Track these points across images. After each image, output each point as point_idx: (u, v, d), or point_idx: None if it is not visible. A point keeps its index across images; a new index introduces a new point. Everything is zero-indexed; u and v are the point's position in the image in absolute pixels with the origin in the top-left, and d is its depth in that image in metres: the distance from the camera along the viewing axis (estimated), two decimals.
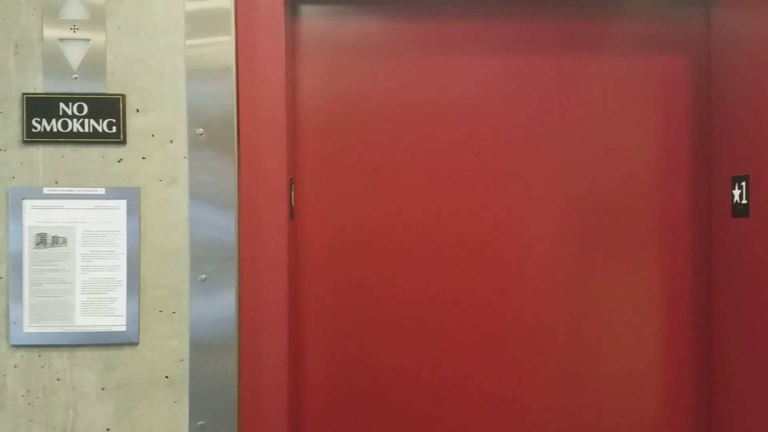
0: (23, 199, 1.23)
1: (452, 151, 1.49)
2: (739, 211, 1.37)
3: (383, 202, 1.49)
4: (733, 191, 1.39)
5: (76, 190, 1.23)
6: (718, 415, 1.47)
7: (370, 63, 1.48)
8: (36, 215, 1.23)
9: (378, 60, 1.48)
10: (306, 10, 1.47)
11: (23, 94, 1.23)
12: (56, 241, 1.23)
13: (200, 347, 1.25)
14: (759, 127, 1.32)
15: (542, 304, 1.49)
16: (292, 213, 1.39)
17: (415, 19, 1.48)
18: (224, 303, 1.25)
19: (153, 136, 1.25)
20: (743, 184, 1.36)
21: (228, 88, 1.26)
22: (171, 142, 1.25)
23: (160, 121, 1.25)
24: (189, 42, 1.25)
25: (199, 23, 1.24)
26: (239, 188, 1.27)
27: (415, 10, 1.48)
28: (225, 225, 1.25)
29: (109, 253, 1.24)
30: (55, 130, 1.23)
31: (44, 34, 1.23)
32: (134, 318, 1.24)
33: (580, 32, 1.50)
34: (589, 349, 1.50)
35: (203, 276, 1.25)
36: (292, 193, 1.40)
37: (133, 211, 1.24)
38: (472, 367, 1.49)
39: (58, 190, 1.23)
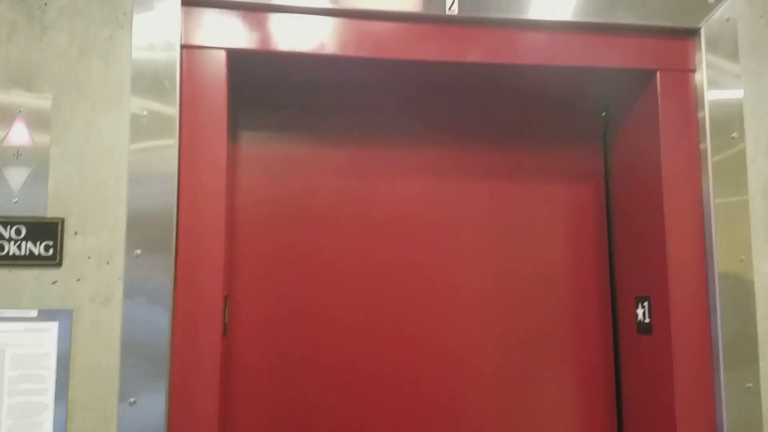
0: None
1: (378, 268, 1.58)
2: (643, 328, 1.50)
3: (316, 315, 1.54)
4: (637, 310, 1.52)
5: (7, 313, 1.23)
6: None
7: (304, 183, 1.57)
8: None
9: (311, 180, 1.58)
10: (244, 135, 1.56)
11: None
12: None
13: None
14: (655, 251, 1.47)
15: (469, 408, 1.55)
16: (225, 330, 1.41)
17: (341, 145, 1.60)
18: (154, 426, 1.25)
19: (90, 257, 1.27)
20: (645, 304, 1.49)
21: (168, 211, 1.30)
22: (107, 263, 1.28)
23: (98, 243, 1.28)
24: (131, 172, 1.29)
25: (142, 161, 1.30)
26: (174, 309, 1.29)
27: (347, 138, 1.60)
28: (157, 347, 1.26)
29: (38, 376, 1.22)
30: None
31: None
32: None
33: (497, 162, 1.65)
34: None
35: (133, 399, 1.24)
36: (227, 310, 1.43)
37: (65, 333, 1.24)
38: None
39: None
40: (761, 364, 1.42)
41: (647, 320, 1.48)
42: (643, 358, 1.50)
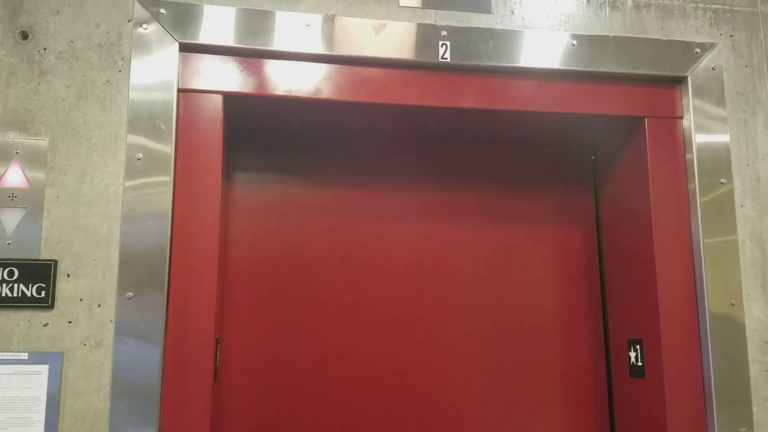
0: None
1: (371, 311, 1.58)
2: (636, 372, 1.49)
3: (308, 359, 1.53)
4: (630, 353, 1.52)
5: None
6: None
7: (297, 226, 1.58)
8: None
9: (304, 223, 1.59)
10: (239, 177, 1.58)
11: None
12: None
13: None
14: (647, 293, 1.47)
15: None
16: (216, 374, 1.40)
17: (335, 188, 1.61)
18: None
19: (82, 300, 1.27)
20: (638, 347, 1.49)
21: (161, 252, 1.30)
22: (99, 305, 1.28)
23: (90, 285, 1.28)
24: (125, 213, 1.30)
25: (137, 202, 1.30)
26: (165, 352, 1.28)
27: (340, 182, 1.62)
28: (147, 390, 1.25)
29: (27, 419, 1.21)
30: None
31: None
32: None
33: (489, 206, 1.66)
34: None
35: None
36: (218, 353, 1.42)
37: (55, 376, 1.23)
38: None
39: None
40: (754, 408, 1.42)
41: (640, 363, 1.48)
42: (637, 402, 1.50)
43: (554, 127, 1.58)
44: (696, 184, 1.47)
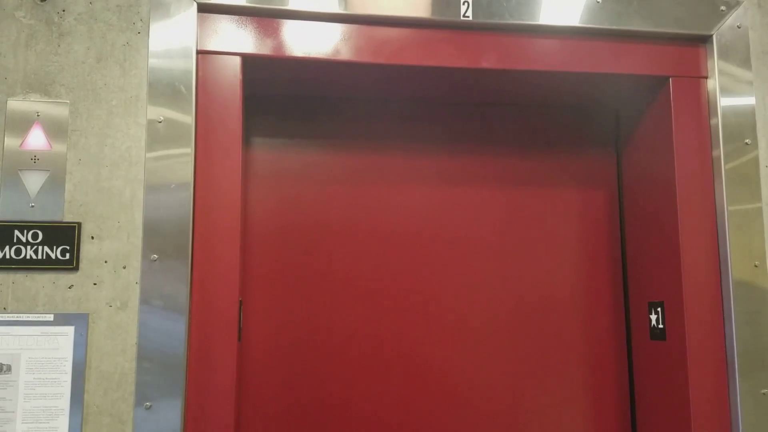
0: None
1: (390, 275, 1.58)
2: (657, 334, 1.49)
3: (328, 320, 1.54)
4: (650, 316, 1.52)
5: (24, 317, 1.23)
6: None
7: (315, 190, 1.58)
8: None
9: (324, 187, 1.58)
10: (257, 141, 1.57)
11: None
12: (0, 368, 1.21)
13: None
14: (669, 256, 1.47)
15: (481, 422, 1.55)
16: (240, 335, 1.41)
17: (354, 153, 1.60)
18: (170, 430, 1.24)
19: (106, 262, 1.28)
20: (659, 309, 1.49)
21: (184, 217, 1.30)
22: (124, 267, 1.28)
23: (115, 248, 1.28)
24: (148, 179, 1.30)
25: (159, 168, 1.30)
26: (190, 314, 1.29)
27: (360, 146, 1.61)
28: (173, 351, 1.26)
29: (54, 380, 1.23)
30: (8, 257, 1.24)
31: (3, 164, 1.27)
32: None
33: (510, 169, 1.65)
34: None
35: (148, 403, 1.24)
36: (241, 314, 1.43)
37: (81, 337, 1.25)
38: None
39: (6, 317, 1.23)
40: None
41: (661, 326, 1.47)
42: (657, 364, 1.50)
43: (577, 88, 1.56)
44: (721, 150, 1.45)
